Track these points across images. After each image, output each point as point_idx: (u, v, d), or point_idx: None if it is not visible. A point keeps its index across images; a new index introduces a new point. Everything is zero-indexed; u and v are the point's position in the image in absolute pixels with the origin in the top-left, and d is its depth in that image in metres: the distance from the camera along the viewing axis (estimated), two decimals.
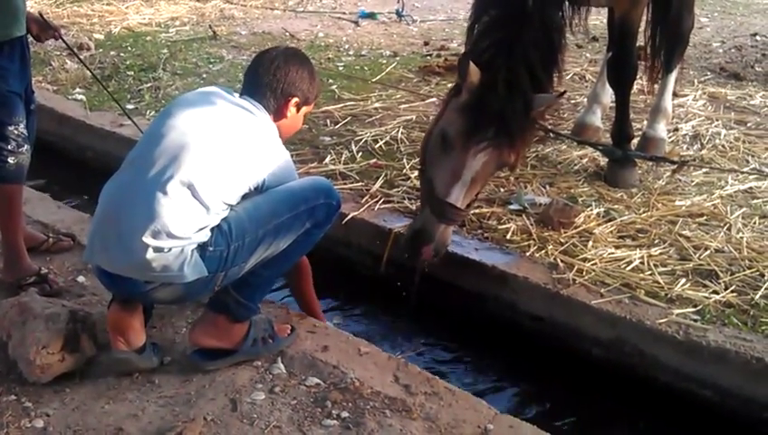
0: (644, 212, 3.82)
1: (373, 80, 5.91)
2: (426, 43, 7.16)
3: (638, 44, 4.27)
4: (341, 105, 5.32)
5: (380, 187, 4.06)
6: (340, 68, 6.32)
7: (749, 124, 5.08)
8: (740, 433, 2.87)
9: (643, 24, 4.34)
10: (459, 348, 3.39)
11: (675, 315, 3.00)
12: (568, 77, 5.94)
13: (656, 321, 2.98)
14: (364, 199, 3.92)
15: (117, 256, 2.46)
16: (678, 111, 5.17)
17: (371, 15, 8.24)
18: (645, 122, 4.65)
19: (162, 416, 2.47)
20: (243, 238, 2.50)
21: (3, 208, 3.11)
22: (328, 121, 5.05)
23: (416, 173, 3.95)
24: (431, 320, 3.49)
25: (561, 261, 3.37)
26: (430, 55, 6.74)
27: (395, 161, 4.41)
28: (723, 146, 4.69)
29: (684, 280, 3.25)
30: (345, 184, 4.07)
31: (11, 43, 3.02)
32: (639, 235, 3.61)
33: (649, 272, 3.29)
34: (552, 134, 4.58)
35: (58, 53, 6.35)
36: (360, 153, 4.52)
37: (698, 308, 3.07)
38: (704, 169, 4.34)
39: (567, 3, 3.62)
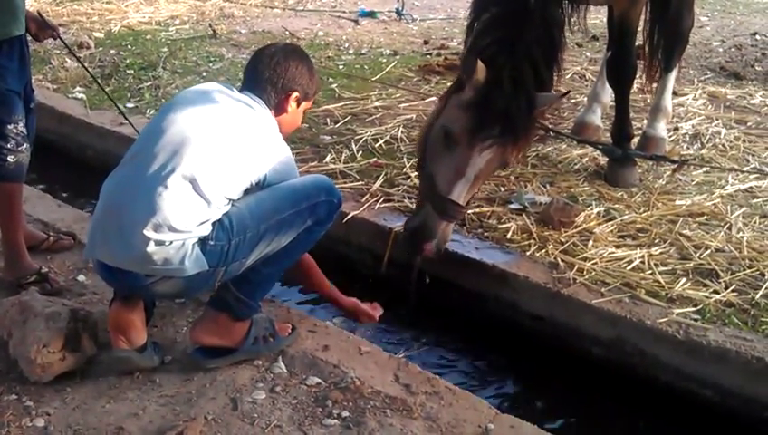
0: (644, 211, 3.82)
1: (373, 79, 5.91)
2: (425, 42, 7.16)
3: (638, 43, 4.28)
4: (341, 104, 5.32)
5: (381, 186, 4.06)
6: (340, 67, 6.32)
7: (749, 123, 5.08)
8: (740, 433, 2.87)
9: (643, 23, 4.34)
10: (460, 347, 3.39)
11: (675, 315, 3.00)
12: (568, 76, 5.95)
13: (656, 320, 2.98)
14: (364, 198, 3.92)
15: (118, 250, 2.47)
16: (678, 110, 5.17)
17: (371, 14, 8.23)
18: (645, 121, 4.65)
19: (163, 415, 2.47)
20: (244, 233, 2.51)
21: (3, 207, 3.11)
22: (328, 120, 5.05)
23: (416, 172, 3.95)
24: (431, 319, 3.49)
25: (562, 260, 3.37)
26: (430, 54, 6.73)
27: (395, 160, 4.40)
28: (723, 145, 4.69)
29: (684, 279, 3.25)
30: (345, 183, 4.07)
31: (10, 42, 3.01)
32: (640, 234, 3.61)
33: (650, 271, 3.29)
34: (552, 133, 4.58)
35: (58, 51, 6.34)
36: (361, 152, 4.52)
37: (699, 308, 3.07)
38: (704, 169, 4.34)
39: (566, 1, 3.62)
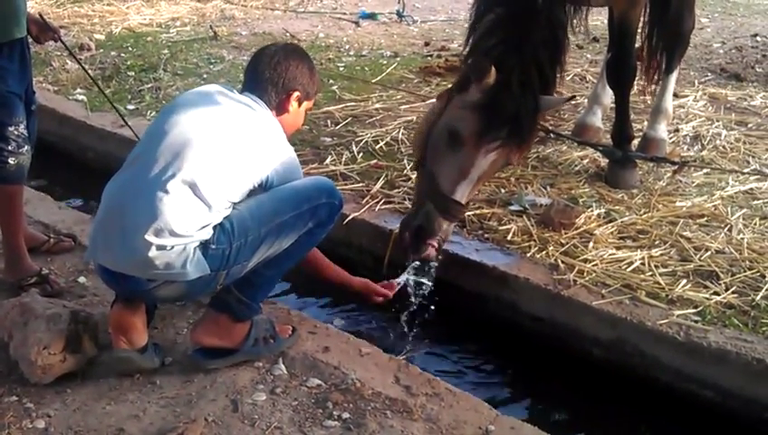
0: (645, 213, 3.82)
1: (374, 80, 5.91)
2: (426, 44, 7.16)
3: (638, 45, 4.28)
4: (342, 106, 5.32)
5: (381, 187, 4.06)
6: (341, 68, 6.32)
7: (750, 125, 5.08)
8: (741, 434, 2.87)
9: (642, 25, 4.34)
10: (460, 349, 3.39)
11: (675, 316, 3.00)
12: (569, 78, 5.94)
13: (656, 322, 2.98)
14: (365, 200, 3.92)
15: (119, 255, 2.47)
16: (679, 111, 5.16)
17: (372, 16, 8.24)
18: (645, 123, 4.65)
19: (163, 417, 2.48)
20: (245, 237, 2.51)
21: (4, 209, 3.11)
22: (328, 122, 5.05)
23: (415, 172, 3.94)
24: (432, 321, 3.49)
25: (562, 262, 3.37)
26: (431, 56, 6.73)
27: (396, 162, 4.41)
28: (723, 147, 4.68)
29: (684, 281, 3.24)
30: (346, 185, 4.07)
31: (11, 44, 3.02)
32: (640, 236, 3.61)
33: (650, 273, 3.29)
34: (552, 135, 4.59)
35: (59, 53, 6.35)
36: (361, 154, 4.52)
37: (699, 309, 3.06)
38: (704, 170, 4.34)
39: (569, 2, 3.62)
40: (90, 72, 4.98)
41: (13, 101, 3.04)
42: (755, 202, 3.99)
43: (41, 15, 3.31)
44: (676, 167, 4.08)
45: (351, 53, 6.87)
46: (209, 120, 2.56)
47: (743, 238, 3.58)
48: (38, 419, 2.46)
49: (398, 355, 2.96)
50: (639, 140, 4.47)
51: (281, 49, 2.79)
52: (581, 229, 3.63)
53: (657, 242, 3.55)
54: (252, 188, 2.56)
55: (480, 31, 3.35)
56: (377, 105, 5.36)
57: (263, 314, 2.80)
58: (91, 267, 3.19)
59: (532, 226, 3.67)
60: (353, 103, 5.40)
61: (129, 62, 6.30)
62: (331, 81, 5.86)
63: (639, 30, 4.22)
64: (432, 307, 3.32)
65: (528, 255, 3.45)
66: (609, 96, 4.62)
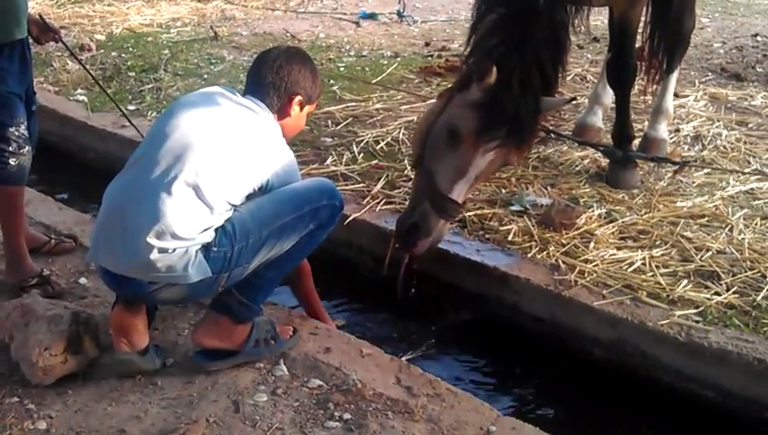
0: (645, 213, 3.82)
1: (374, 81, 5.91)
2: (427, 44, 7.16)
3: (638, 45, 4.27)
4: (343, 106, 5.32)
5: (382, 188, 4.06)
6: (342, 69, 6.33)
7: (750, 125, 5.08)
8: (741, 434, 2.87)
9: (644, 24, 4.34)
10: (461, 349, 3.39)
11: (676, 317, 3.00)
12: (569, 78, 5.93)
13: (657, 322, 2.98)
14: (366, 201, 3.92)
15: (121, 257, 2.47)
16: (679, 111, 5.16)
17: (372, 16, 8.24)
18: (646, 123, 4.65)
19: (165, 418, 2.48)
20: (247, 239, 2.51)
21: (4, 210, 3.11)
22: (329, 122, 5.05)
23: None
24: (433, 321, 3.49)
25: (563, 262, 3.37)
26: (431, 56, 6.73)
27: (396, 162, 4.41)
28: (724, 147, 4.69)
29: (685, 281, 3.24)
30: (347, 185, 4.07)
31: (11, 45, 3.03)
32: (641, 236, 3.61)
33: (651, 273, 3.29)
34: (553, 135, 4.58)
35: (59, 54, 6.35)
36: (362, 154, 4.52)
37: (700, 309, 3.07)
38: (705, 170, 4.34)
39: (570, 2, 3.62)
40: (91, 71, 4.97)
41: (13, 102, 3.04)
42: (756, 202, 3.99)
43: (41, 16, 3.31)
44: (676, 167, 4.08)
45: (352, 53, 6.87)
46: (211, 122, 2.56)
47: (744, 238, 3.58)
48: (39, 420, 2.46)
49: (399, 356, 2.95)
50: (640, 140, 4.47)
51: (283, 53, 2.78)
52: (582, 230, 3.63)
53: (657, 242, 3.55)
54: (252, 191, 2.56)
55: (481, 31, 3.34)
56: (377, 105, 5.36)
57: (264, 315, 2.80)
58: (92, 268, 3.19)
59: (533, 226, 3.67)
60: (354, 104, 5.40)
61: (129, 63, 6.31)
62: (331, 81, 5.86)
63: (640, 30, 4.22)
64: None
65: (529, 255, 3.45)
66: (609, 96, 4.62)
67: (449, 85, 3.61)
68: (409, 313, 3.47)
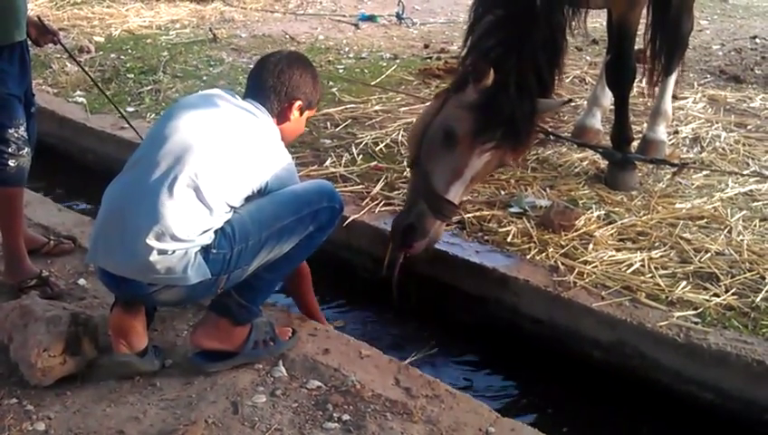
0: (644, 215, 3.82)
1: (373, 82, 5.92)
2: (426, 46, 7.16)
3: (637, 47, 4.28)
4: (342, 108, 5.33)
5: (381, 189, 4.06)
6: (341, 71, 6.33)
7: (749, 127, 5.08)
8: None
9: (643, 27, 4.34)
10: (460, 351, 3.39)
11: (675, 318, 3.00)
12: (568, 80, 5.94)
13: (656, 324, 2.98)
14: (365, 202, 3.92)
15: (120, 259, 2.47)
16: (678, 113, 5.17)
17: (371, 18, 8.24)
18: (645, 125, 4.65)
19: (163, 419, 2.48)
20: (246, 241, 2.51)
21: (4, 211, 3.11)
22: (328, 124, 5.05)
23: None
24: (432, 323, 3.49)
25: (562, 264, 3.37)
26: (430, 58, 6.74)
27: (395, 164, 4.41)
28: (723, 149, 4.69)
29: (684, 283, 3.24)
30: (346, 187, 4.07)
31: (11, 47, 3.03)
32: (640, 237, 3.62)
33: (650, 275, 3.29)
34: (552, 137, 4.59)
35: (58, 55, 6.35)
36: (361, 156, 4.52)
37: (699, 311, 3.07)
38: (704, 172, 4.34)
39: (567, 5, 3.62)
40: (90, 73, 4.96)
41: (13, 104, 3.04)
42: (755, 204, 3.99)
43: (40, 18, 3.31)
44: (675, 169, 4.08)
45: (351, 55, 6.87)
46: (211, 124, 2.56)
47: (742, 240, 3.58)
48: (38, 421, 2.45)
49: (398, 357, 2.95)
50: (639, 141, 4.48)
51: (284, 57, 2.79)
52: (581, 231, 3.63)
53: (656, 244, 3.55)
54: (250, 193, 2.56)
55: (478, 32, 3.35)
56: (376, 107, 5.36)
57: (263, 316, 2.80)
58: (91, 269, 3.19)
59: (532, 227, 3.67)
60: (353, 105, 5.40)
61: (128, 65, 6.31)
62: (330, 83, 5.86)
63: (639, 32, 4.22)
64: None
65: (528, 256, 3.45)
66: (608, 98, 4.63)
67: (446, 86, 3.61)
68: (408, 314, 3.47)
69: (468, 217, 3.75)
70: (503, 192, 4.09)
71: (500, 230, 3.67)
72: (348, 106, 5.38)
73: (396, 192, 4.04)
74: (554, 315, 3.23)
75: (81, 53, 6.43)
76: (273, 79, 2.70)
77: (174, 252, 2.41)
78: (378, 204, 3.90)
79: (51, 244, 3.45)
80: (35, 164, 3.22)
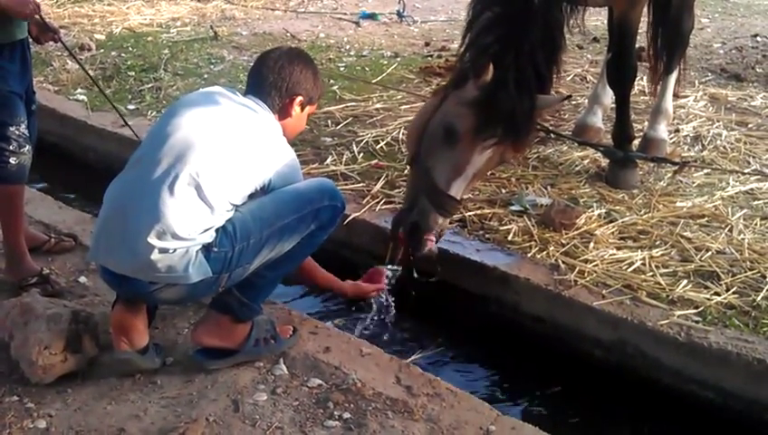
0: (645, 213, 3.82)
1: (374, 81, 5.91)
2: (427, 44, 7.16)
3: (639, 45, 4.27)
4: (342, 106, 5.32)
5: (382, 187, 4.06)
6: (342, 69, 6.32)
7: (750, 125, 5.08)
8: (742, 434, 2.87)
9: (644, 26, 4.34)
10: (461, 349, 3.39)
11: (676, 317, 3.00)
12: (569, 78, 5.95)
13: (657, 322, 2.98)
14: (365, 200, 3.92)
15: (122, 257, 2.47)
16: (679, 112, 5.16)
17: (372, 16, 8.23)
18: (646, 123, 4.65)
19: (164, 417, 2.48)
20: (247, 240, 2.51)
21: (4, 209, 3.12)
22: (329, 122, 5.05)
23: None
24: (432, 321, 3.49)
25: (563, 262, 3.37)
26: (431, 56, 6.73)
27: (396, 162, 4.40)
28: (724, 147, 4.69)
29: (685, 281, 3.24)
30: (346, 185, 4.07)
31: (12, 45, 3.03)
32: (641, 236, 3.62)
33: (651, 273, 3.29)
34: (553, 135, 4.59)
35: (59, 53, 6.34)
36: (362, 154, 4.52)
37: (700, 310, 3.07)
38: (705, 171, 4.34)
39: (566, 2, 3.62)
40: (90, 72, 4.97)
41: (14, 102, 3.04)
42: (756, 202, 3.99)
43: (41, 16, 3.30)
44: (676, 167, 4.08)
45: (352, 53, 6.87)
46: (212, 122, 2.56)
47: (743, 239, 3.58)
48: (39, 419, 2.46)
49: (398, 355, 2.95)
50: (640, 140, 4.48)
51: (285, 53, 2.78)
52: (582, 230, 3.63)
53: (657, 242, 3.55)
54: (253, 190, 2.56)
55: (476, 28, 3.34)
56: (377, 105, 5.36)
57: (264, 314, 2.80)
58: (92, 267, 3.19)
59: (533, 226, 3.67)
60: (354, 103, 5.40)
61: (129, 62, 6.30)
62: (331, 81, 5.85)
63: (640, 31, 4.22)
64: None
65: (529, 255, 3.45)
66: (609, 96, 4.63)
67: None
68: (409, 313, 3.47)
69: (469, 216, 3.75)
70: (504, 190, 4.09)
71: (501, 229, 3.67)
72: (349, 104, 5.37)
73: (397, 190, 4.04)
74: (555, 314, 3.23)
75: (81, 50, 6.43)
76: (273, 75, 2.70)
77: (175, 250, 2.41)
78: (378, 202, 3.91)
79: (51, 241, 3.45)
80: (36, 162, 3.23)
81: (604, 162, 4.35)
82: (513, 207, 3.88)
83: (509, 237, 3.59)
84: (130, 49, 6.73)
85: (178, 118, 2.56)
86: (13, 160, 3.04)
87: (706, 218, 3.79)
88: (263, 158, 2.57)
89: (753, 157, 4.58)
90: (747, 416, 2.85)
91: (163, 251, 2.40)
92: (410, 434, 2.44)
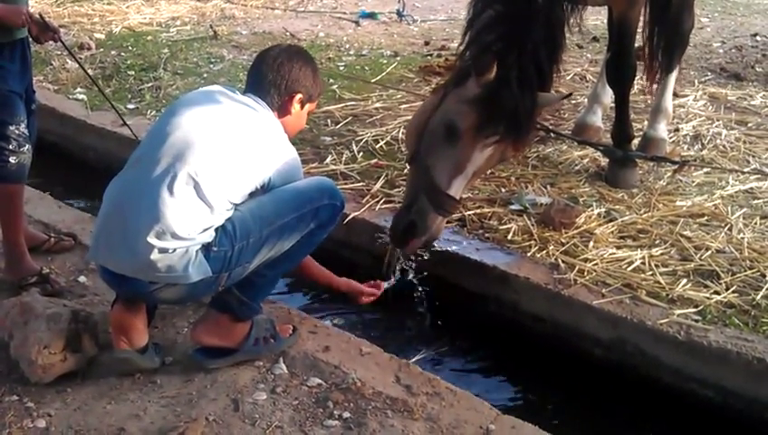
0: (645, 212, 3.82)
1: (374, 80, 5.91)
2: (426, 43, 7.16)
3: (638, 45, 4.27)
4: (342, 105, 5.32)
5: (381, 187, 4.06)
6: (341, 68, 6.32)
7: (750, 124, 5.08)
8: (742, 433, 2.87)
9: (643, 24, 4.34)
10: (460, 348, 3.39)
11: (676, 316, 3.00)
12: (569, 77, 5.95)
13: (657, 321, 2.98)
14: (365, 199, 3.92)
15: (122, 257, 2.47)
16: (679, 111, 5.16)
17: (372, 15, 8.23)
18: (645, 123, 4.65)
19: (164, 416, 2.48)
20: (247, 239, 2.51)
21: (4, 208, 3.11)
22: (329, 121, 5.05)
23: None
24: (432, 320, 3.49)
25: (563, 261, 3.37)
26: (431, 55, 6.73)
27: (396, 161, 4.40)
28: (723, 146, 4.69)
29: (685, 280, 3.25)
30: (346, 184, 4.07)
31: (12, 44, 3.03)
32: (640, 235, 3.62)
33: (650, 272, 3.29)
34: (552, 134, 4.59)
35: (59, 52, 6.34)
36: (361, 153, 4.52)
37: (699, 309, 3.07)
38: (705, 170, 4.34)
39: (566, 1, 3.62)
40: (90, 71, 4.97)
41: (14, 101, 3.04)
42: (755, 201, 4.00)
43: (41, 15, 3.30)
44: (676, 166, 4.08)
45: (351, 52, 6.87)
46: (211, 121, 2.55)
47: (743, 238, 3.58)
48: (39, 418, 2.46)
49: (398, 355, 2.95)
50: (640, 139, 4.48)
51: (284, 51, 2.78)
52: (582, 229, 3.63)
53: (657, 241, 3.55)
54: (254, 189, 2.56)
55: (477, 27, 3.34)
56: (377, 104, 5.36)
57: (263, 313, 2.80)
58: (92, 267, 3.19)
59: (533, 225, 3.67)
60: (353, 103, 5.40)
61: (129, 62, 6.30)
62: (331, 80, 5.85)
63: (639, 30, 4.22)
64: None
65: (528, 254, 3.45)
66: (609, 95, 4.63)
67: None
68: (408, 312, 3.47)
69: (469, 215, 3.75)
70: (503, 189, 4.09)
71: (500, 228, 3.67)
72: (348, 103, 5.37)
73: (396, 189, 4.04)
74: (555, 313, 3.23)
75: (81, 49, 6.43)
76: (272, 73, 2.70)
77: (175, 250, 2.41)
78: (378, 201, 3.91)
79: (51, 241, 3.45)
80: (36, 161, 3.22)
81: (604, 161, 4.35)
82: (512, 207, 3.88)
83: (509, 236, 3.59)
84: (130, 48, 6.73)
85: (178, 117, 2.56)
86: (12, 160, 3.04)
87: (706, 217, 3.79)
88: (262, 156, 2.57)
89: (753, 156, 4.58)
90: (747, 415, 2.85)
91: (163, 251, 2.40)
92: (410, 433, 2.44)
